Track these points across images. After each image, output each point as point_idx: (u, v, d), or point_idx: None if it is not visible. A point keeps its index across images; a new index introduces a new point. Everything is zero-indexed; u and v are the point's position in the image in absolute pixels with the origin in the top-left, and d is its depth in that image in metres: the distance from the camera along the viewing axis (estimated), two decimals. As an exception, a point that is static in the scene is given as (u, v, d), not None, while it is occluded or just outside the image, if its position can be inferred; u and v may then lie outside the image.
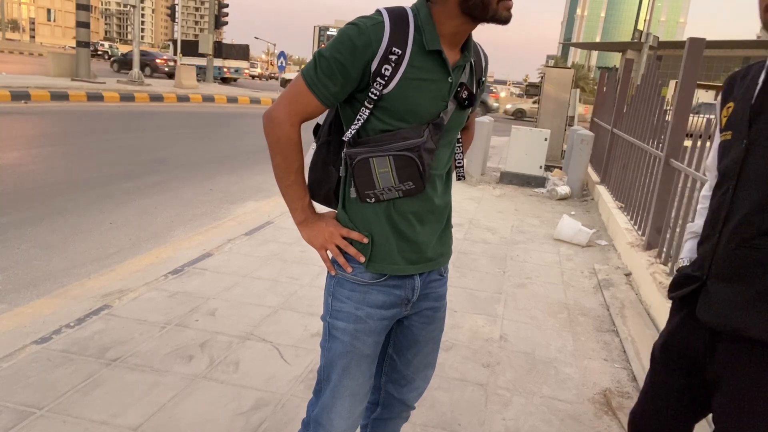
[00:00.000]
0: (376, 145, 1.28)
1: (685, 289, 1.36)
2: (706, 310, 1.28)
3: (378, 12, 1.27)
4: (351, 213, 1.38)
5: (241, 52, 30.82)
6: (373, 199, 1.32)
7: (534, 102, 26.68)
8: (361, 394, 1.45)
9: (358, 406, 1.46)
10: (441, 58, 1.28)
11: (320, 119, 1.46)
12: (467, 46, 1.35)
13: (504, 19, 1.25)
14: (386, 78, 1.24)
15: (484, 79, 1.45)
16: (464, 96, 1.34)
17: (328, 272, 1.45)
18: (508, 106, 29.48)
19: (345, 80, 1.25)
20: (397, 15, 1.26)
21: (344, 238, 1.37)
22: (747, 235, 1.19)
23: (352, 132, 1.29)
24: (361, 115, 1.29)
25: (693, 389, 1.38)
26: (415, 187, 1.31)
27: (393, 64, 1.24)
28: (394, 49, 1.23)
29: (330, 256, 1.41)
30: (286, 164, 1.34)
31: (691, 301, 1.35)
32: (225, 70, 29.28)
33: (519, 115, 27.85)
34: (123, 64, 27.61)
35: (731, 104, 1.32)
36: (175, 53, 29.27)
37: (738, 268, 1.22)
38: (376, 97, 1.26)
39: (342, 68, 1.23)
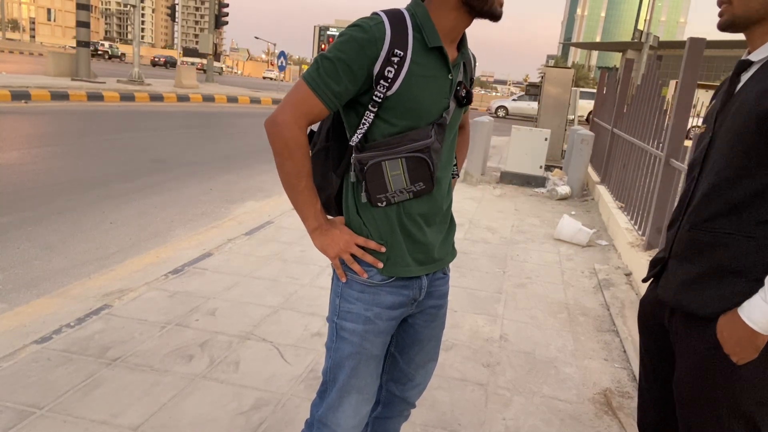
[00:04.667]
0: (387, 148, 1.28)
1: (652, 271, 1.48)
2: (662, 287, 1.40)
3: (376, 14, 1.28)
4: (365, 218, 1.37)
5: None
6: (384, 203, 1.32)
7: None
8: (368, 393, 1.45)
9: (364, 406, 1.46)
10: (442, 55, 1.30)
11: (313, 126, 1.46)
12: (463, 43, 1.36)
13: (497, 15, 1.30)
14: (389, 80, 1.25)
15: (474, 77, 1.48)
16: (463, 94, 1.36)
17: (334, 273, 1.43)
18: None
19: (349, 80, 1.24)
20: (395, 16, 1.27)
21: (359, 246, 1.36)
22: (698, 219, 1.31)
23: (359, 136, 1.29)
24: (366, 119, 1.29)
25: (666, 358, 1.46)
26: (426, 187, 1.32)
27: (396, 66, 1.24)
28: (396, 50, 1.24)
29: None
30: (296, 169, 1.31)
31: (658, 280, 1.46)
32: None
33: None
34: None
35: (715, 100, 1.43)
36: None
37: (689, 248, 1.33)
38: (380, 100, 1.26)
39: (347, 68, 1.23)
